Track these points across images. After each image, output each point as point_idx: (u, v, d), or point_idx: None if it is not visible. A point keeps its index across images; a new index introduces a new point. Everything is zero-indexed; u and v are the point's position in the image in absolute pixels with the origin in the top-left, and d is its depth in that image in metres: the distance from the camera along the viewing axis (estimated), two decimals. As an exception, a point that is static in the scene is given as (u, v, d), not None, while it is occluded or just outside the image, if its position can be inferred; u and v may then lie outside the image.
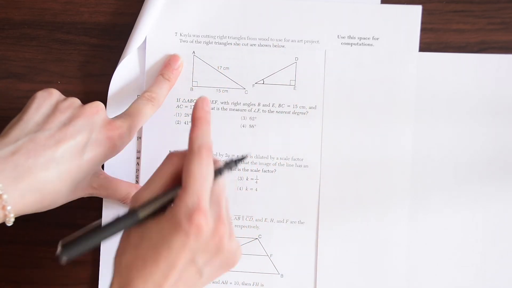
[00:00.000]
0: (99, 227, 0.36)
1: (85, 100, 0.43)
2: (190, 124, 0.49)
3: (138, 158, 0.50)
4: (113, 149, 0.42)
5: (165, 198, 0.38)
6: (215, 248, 0.37)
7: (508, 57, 0.49)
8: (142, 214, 0.37)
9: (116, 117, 0.44)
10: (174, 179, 0.38)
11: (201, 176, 0.37)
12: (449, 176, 0.49)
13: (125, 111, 0.45)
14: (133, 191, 0.47)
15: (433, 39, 0.50)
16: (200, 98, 0.40)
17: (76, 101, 0.43)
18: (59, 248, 0.35)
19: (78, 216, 0.50)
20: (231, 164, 0.40)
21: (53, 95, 0.42)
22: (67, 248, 0.35)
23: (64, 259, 0.35)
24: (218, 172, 0.39)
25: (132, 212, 0.37)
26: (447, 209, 0.49)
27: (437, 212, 0.49)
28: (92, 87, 0.51)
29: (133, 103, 0.46)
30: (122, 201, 0.47)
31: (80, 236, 0.36)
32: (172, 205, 0.37)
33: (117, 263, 0.37)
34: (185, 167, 0.37)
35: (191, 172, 0.36)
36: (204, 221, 0.36)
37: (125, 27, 0.50)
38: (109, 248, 0.50)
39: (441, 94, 0.49)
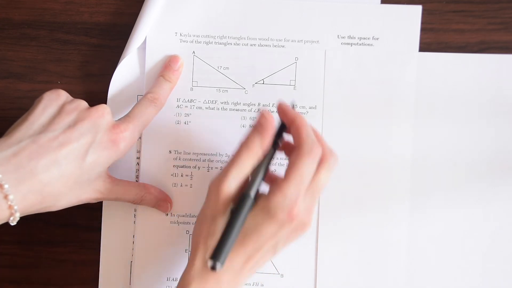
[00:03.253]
0: (229, 227, 0.38)
1: (85, 100, 0.43)
2: (190, 123, 0.50)
3: (138, 158, 0.50)
4: (117, 152, 0.42)
5: (258, 182, 0.40)
6: (298, 234, 0.41)
7: (508, 57, 0.49)
8: (253, 194, 0.39)
9: (119, 119, 0.44)
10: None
11: (305, 172, 0.39)
12: (449, 175, 0.49)
13: (128, 113, 0.45)
14: (142, 192, 0.47)
15: (433, 39, 0.50)
16: (279, 104, 0.42)
17: (82, 104, 0.43)
18: (210, 262, 0.37)
19: (78, 216, 0.50)
20: None
21: (61, 96, 0.42)
22: (215, 258, 0.37)
23: (219, 267, 0.37)
24: None
25: (247, 197, 0.39)
26: (447, 209, 0.49)
27: (437, 212, 0.49)
28: (92, 87, 0.51)
29: (135, 105, 0.46)
30: (132, 202, 0.47)
31: (219, 243, 0.38)
32: (268, 193, 0.39)
33: (201, 245, 0.40)
34: (294, 161, 0.39)
35: (300, 169, 0.39)
36: (298, 213, 0.39)
37: (125, 27, 0.50)
38: (109, 248, 0.50)
39: (441, 94, 0.49)
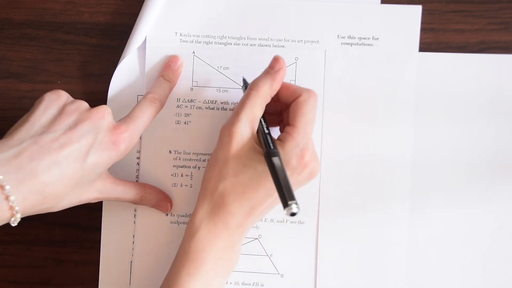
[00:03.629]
0: (278, 180, 0.39)
1: (85, 100, 0.43)
2: (190, 123, 0.50)
3: (138, 158, 0.50)
4: (117, 153, 0.42)
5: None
6: (308, 178, 0.43)
7: (508, 57, 0.49)
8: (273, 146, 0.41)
9: (120, 120, 0.44)
10: None
11: (312, 119, 0.43)
12: (449, 175, 0.49)
13: (128, 114, 0.45)
14: (142, 192, 0.47)
15: (433, 39, 0.50)
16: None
17: (83, 104, 0.43)
18: (295, 207, 0.37)
19: (78, 216, 0.50)
20: None
21: (62, 97, 0.42)
22: (289, 205, 0.37)
23: (298, 207, 0.37)
24: None
25: (276, 154, 0.40)
26: (447, 209, 0.49)
27: (437, 212, 0.49)
28: (92, 87, 0.51)
29: (136, 105, 0.46)
30: (132, 202, 0.47)
31: (282, 193, 0.38)
32: (278, 140, 0.42)
33: (211, 189, 0.42)
34: (299, 107, 0.43)
35: (306, 115, 0.42)
36: (310, 158, 0.42)
37: (125, 27, 0.50)
38: (109, 248, 0.50)
39: (441, 94, 0.49)
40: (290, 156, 0.41)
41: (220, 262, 0.42)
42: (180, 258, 0.42)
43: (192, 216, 0.43)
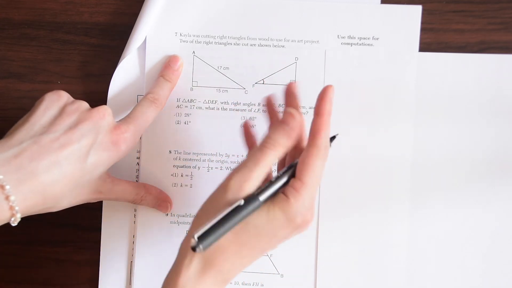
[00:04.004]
0: (226, 217, 0.36)
1: (85, 100, 0.43)
2: (190, 123, 0.50)
3: (138, 158, 0.50)
4: (118, 153, 0.42)
5: (277, 185, 0.39)
6: (301, 231, 0.39)
7: (508, 57, 0.49)
8: (262, 199, 0.38)
9: (120, 120, 0.44)
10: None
11: (320, 176, 0.39)
12: (449, 176, 0.49)
13: (129, 114, 0.45)
14: (142, 192, 0.47)
15: (433, 39, 0.50)
16: (328, 86, 0.40)
17: (83, 105, 0.43)
18: (194, 241, 0.35)
19: (78, 216, 0.50)
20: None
21: (62, 97, 0.42)
22: (201, 240, 0.35)
23: (200, 249, 0.35)
24: None
25: (253, 198, 0.37)
26: (447, 209, 0.49)
27: (437, 212, 0.49)
28: (92, 87, 0.51)
29: (136, 106, 0.46)
30: (132, 202, 0.47)
31: (210, 228, 0.36)
32: (282, 193, 0.38)
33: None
34: (308, 161, 0.38)
35: (314, 170, 0.38)
36: (312, 218, 0.39)
37: (125, 27, 0.50)
38: (109, 248, 0.50)
39: (441, 94, 0.49)
40: (295, 215, 0.37)
41: None
42: None
43: (175, 273, 0.37)
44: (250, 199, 0.37)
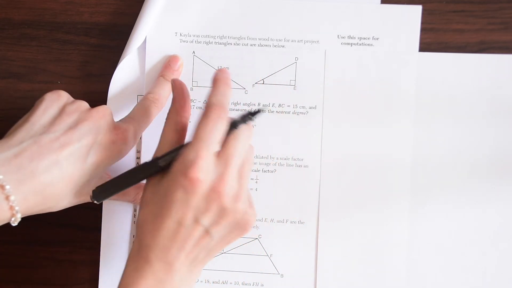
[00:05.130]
0: (125, 174, 0.40)
1: (85, 100, 0.43)
2: (190, 123, 0.50)
3: (138, 158, 0.50)
4: (118, 153, 0.42)
5: (177, 151, 0.39)
6: (217, 207, 0.37)
7: (508, 57, 0.49)
8: (162, 163, 0.39)
9: (120, 120, 0.44)
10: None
11: (204, 133, 0.38)
12: (449, 175, 0.49)
13: (129, 114, 0.45)
14: (141, 192, 0.47)
15: (433, 39, 0.50)
16: (220, 69, 0.43)
17: (83, 104, 0.43)
18: (91, 194, 0.39)
19: (78, 216, 0.50)
20: (246, 117, 0.40)
21: (62, 97, 0.42)
22: (97, 193, 0.39)
23: (95, 201, 0.39)
24: (232, 126, 0.39)
25: (154, 161, 0.39)
26: (447, 209, 0.49)
27: (436, 212, 0.49)
28: (92, 87, 0.51)
29: (136, 105, 0.46)
30: (131, 202, 0.47)
31: (108, 182, 0.39)
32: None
33: (136, 221, 0.40)
34: (201, 118, 0.39)
35: (197, 130, 0.38)
36: (199, 175, 0.36)
37: (125, 27, 0.50)
38: (109, 248, 0.50)
39: (441, 94, 0.49)
40: (176, 173, 0.37)
41: None
42: None
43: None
44: (150, 162, 0.40)
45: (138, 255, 0.38)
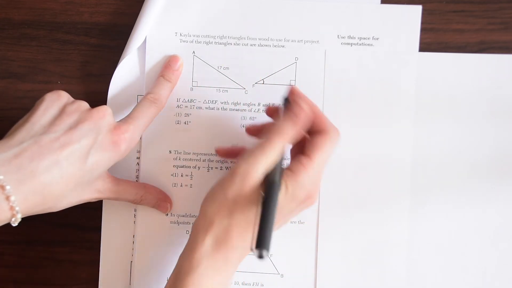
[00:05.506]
0: (266, 214, 0.38)
1: (85, 100, 0.43)
2: (190, 123, 0.50)
3: (138, 158, 0.50)
4: (118, 153, 0.42)
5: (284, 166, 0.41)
6: (305, 207, 0.42)
7: (508, 57, 0.49)
8: (278, 179, 0.40)
9: (121, 120, 0.44)
10: None
11: (328, 159, 0.42)
12: (449, 176, 0.49)
13: (129, 114, 0.45)
14: (142, 192, 0.47)
15: (433, 39, 0.50)
16: (292, 88, 0.44)
17: (83, 104, 0.43)
18: (257, 252, 0.36)
19: (78, 216, 0.50)
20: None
21: (62, 97, 0.42)
22: (262, 246, 0.36)
23: (267, 254, 0.36)
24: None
25: (277, 185, 0.39)
26: (447, 209, 0.49)
27: (437, 212, 0.49)
28: (92, 87, 0.51)
29: (136, 105, 0.46)
30: (132, 202, 0.47)
31: (261, 232, 0.37)
32: (288, 169, 0.40)
33: (216, 224, 0.40)
34: (322, 142, 0.41)
35: (326, 152, 0.41)
36: (316, 198, 0.42)
37: (125, 27, 0.50)
38: (109, 248, 0.50)
39: (441, 94, 0.49)
40: (299, 190, 0.40)
41: None
42: None
43: (190, 249, 0.40)
44: (271, 184, 0.39)
45: (218, 254, 0.39)
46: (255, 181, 0.39)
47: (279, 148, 0.40)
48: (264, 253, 0.36)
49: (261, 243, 0.36)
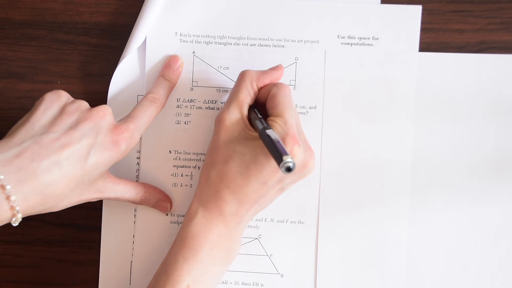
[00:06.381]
0: (270, 138, 0.39)
1: (85, 100, 0.43)
2: (190, 123, 0.50)
3: (138, 158, 0.50)
4: (118, 153, 0.42)
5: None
6: (302, 170, 0.43)
7: (508, 57, 0.49)
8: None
9: (121, 120, 0.44)
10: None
11: (290, 106, 0.43)
12: (449, 175, 0.49)
13: (129, 114, 0.45)
14: (142, 191, 0.47)
15: (433, 39, 0.50)
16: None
17: (83, 104, 0.43)
18: (283, 169, 0.37)
19: (78, 216, 0.50)
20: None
21: (62, 97, 0.42)
22: (281, 162, 0.37)
23: (290, 164, 0.37)
24: None
25: (267, 131, 0.40)
26: (447, 209, 0.49)
27: (437, 212, 0.49)
28: (92, 87, 0.51)
29: (136, 105, 0.46)
30: (132, 202, 0.47)
31: (273, 152, 0.39)
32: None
33: (205, 175, 0.43)
34: (281, 97, 0.43)
35: (288, 103, 0.43)
36: (297, 147, 0.41)
37: (125, 27, 0.50)
38: (109, 248, 0.50)
39: (441, 94, 0.49)
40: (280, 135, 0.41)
41: (216, 249, 0.43)
42: (177, 243, 0.43)
43: (191, 203, 0.44)
44: (265, 128, 0.40)
45: (210, 205, 0.43)
46: (230, 124, 0.43)
47: (244, 87, 0.44)
48: (288, 162, 0.37)
49: (281, 154, 0.38)
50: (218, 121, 0.43)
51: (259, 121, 0.42)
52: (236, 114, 0.43)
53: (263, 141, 0.40)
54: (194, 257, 0.42)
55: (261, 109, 0.45)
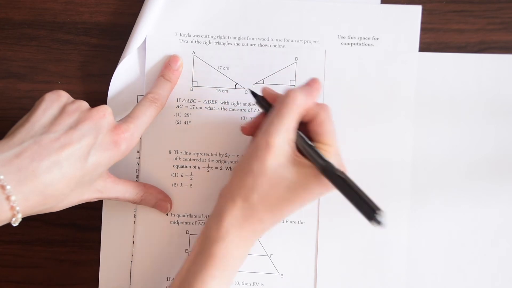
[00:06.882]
0: (357, 192, 0.39)
1: (85, 100, 0.43)
2: (190, 123, 0.50)
3: (138, 158, 0.50)
4: (118, 153, 0.42)
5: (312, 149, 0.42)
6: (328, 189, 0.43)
7: (508, 57, 0.49)
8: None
9: (121, 120, 0.44)
10: None
11: (335, 133, 0.43)
12: (449, 176, 0.49)
13: (129, 114, 0.45)
14: (142, 191, 0.47)
15: (433, 39, 0.50)
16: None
17: (83, 104, 0.43)
18: (374, 223, 0.37)
19: (78, 216, 0.50)
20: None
21: (62, 97, 0.42)
22: (372, 218, 0.38)
23: (381, 219, 0.38)
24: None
25: (341, 175, 0.40)
26: (447, 209, 0.49)
27: (437, 212, 0.49)
28: (92, 87, 0.51)
29: (136, 105, 0.46)
30: (132, 202, 0.47)
31: (360, 207, 0.39)
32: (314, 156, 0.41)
33: (243, 197, 0.41)
34: (330, 124, 0.42)
35: (334, 130, 0.43)
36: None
37: (125, 27, 0.50)
38: (109, 248, 0.50)
39: (441, 94, 0.49)
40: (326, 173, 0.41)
41: (241, 263, 0.43)
42: (203, 260, 0.41)
43: (218, 218, 0.42)
44: (332, 168, 0.40)
45: (245, 225, 0.41)
46: (279, 150, 0.40)
47: (294, 113, 0.41)
48: (379, 217, 0.37)
49: (368, 212, 0.38)
50: (266, 146, 0.40)
51: (314, 152, 0.41)
52: (285, 139, 0.41)
53: (333, 182, 0.40)
54: (222, 275, 0.41)
55: (301, 126, 0.43)
